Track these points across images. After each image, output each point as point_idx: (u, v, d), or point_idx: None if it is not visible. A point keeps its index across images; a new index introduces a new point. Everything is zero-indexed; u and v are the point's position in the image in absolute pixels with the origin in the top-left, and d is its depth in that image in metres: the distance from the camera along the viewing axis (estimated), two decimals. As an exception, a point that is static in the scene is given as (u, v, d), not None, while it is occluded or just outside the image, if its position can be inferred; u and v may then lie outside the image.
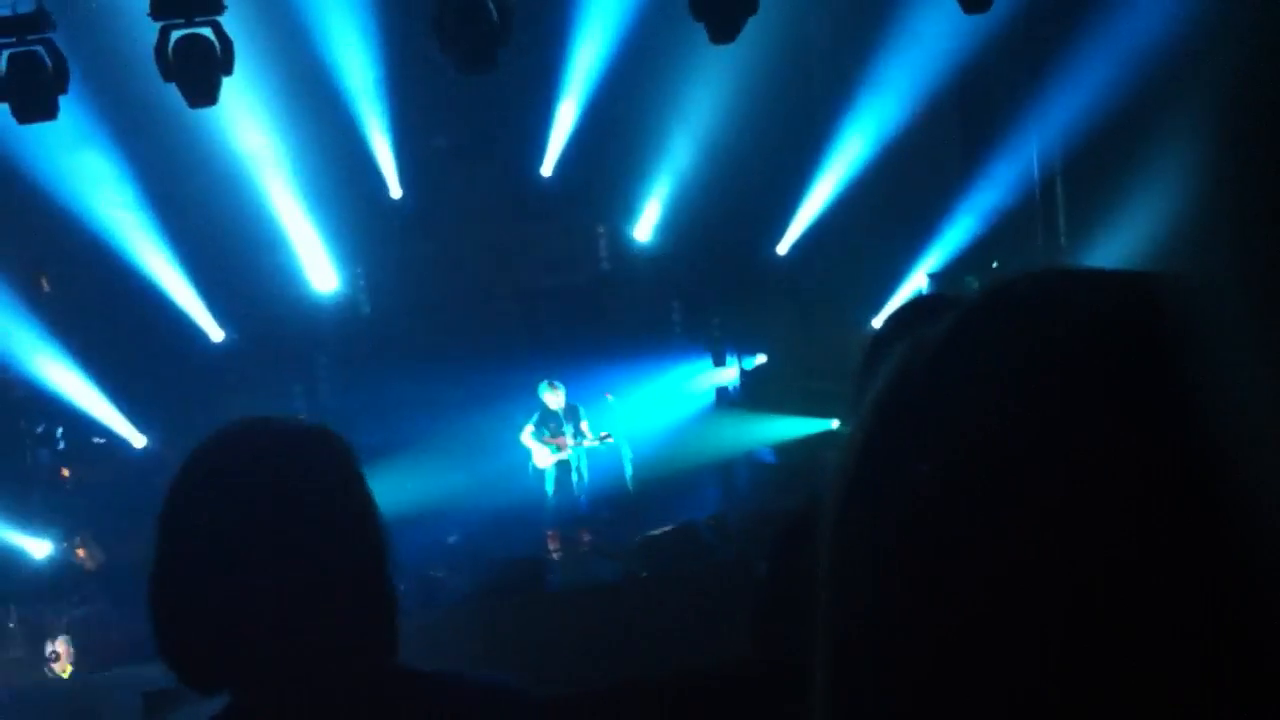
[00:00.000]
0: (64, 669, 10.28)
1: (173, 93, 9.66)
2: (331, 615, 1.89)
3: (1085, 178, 13.13)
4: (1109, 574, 0.64)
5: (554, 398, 12.15)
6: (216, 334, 14.03)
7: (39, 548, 11.95)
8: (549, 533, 12.27)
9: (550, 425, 12.02)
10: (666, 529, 11.82)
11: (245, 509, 1.87)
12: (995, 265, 13.98)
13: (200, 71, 9.50)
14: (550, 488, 12.16)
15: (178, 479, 1.92)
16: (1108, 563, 0.64)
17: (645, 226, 15.80)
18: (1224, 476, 0.58)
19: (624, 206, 15.86)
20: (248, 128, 13.02)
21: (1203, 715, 0.62)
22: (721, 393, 15.35)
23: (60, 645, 10.41)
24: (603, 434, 12.08)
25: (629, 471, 12.09)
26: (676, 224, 15.43)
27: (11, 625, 10.64)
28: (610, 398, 12.50)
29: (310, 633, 1.88)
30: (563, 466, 12.07)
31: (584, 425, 12.12)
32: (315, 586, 1.87)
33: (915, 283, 14.19)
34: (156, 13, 9.45)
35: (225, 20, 9.53)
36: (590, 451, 12.26)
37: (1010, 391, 0.69)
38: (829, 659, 0.74)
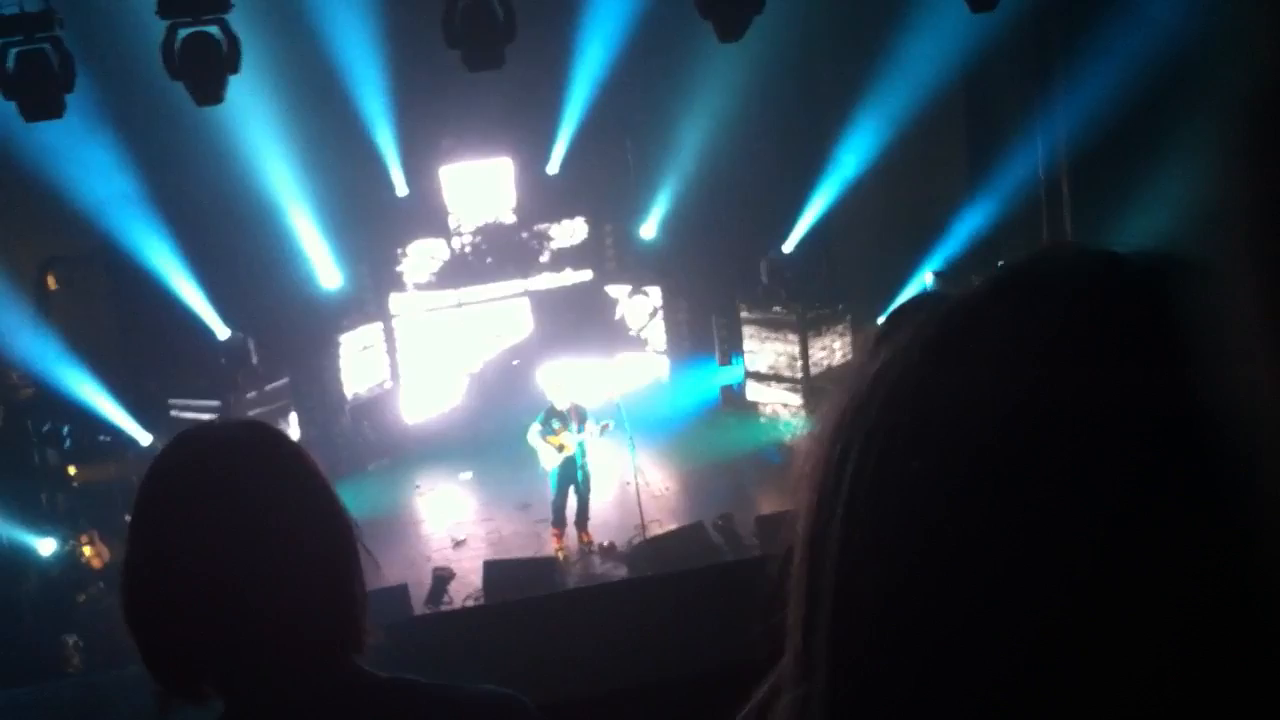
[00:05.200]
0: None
1: (180, 91, 9.67)
2: (301, 615, 1.89)
3: (1091, 177, 13.11)
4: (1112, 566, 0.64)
5: (561, 397, 12.14)
6: (223, 331, 14.04)
7: (45, 546, 11.97)
8: (554, 532, 12.28)
9: (555, 424, 12.01)
10: (672, 529, 11.83)
11: (206, 516, 1.87)
12: (1000, 265, 13.94)
13: (207, 70, 9.50)
14: (555, 488, 12.15)
15: (140, 495, 1.93)
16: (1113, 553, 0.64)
17: (651, 225, 15.80)
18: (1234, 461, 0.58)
19: (630, 205, 15.86)
20: (254, 126, 13.02)
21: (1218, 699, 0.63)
22: (727, 392, 15.34)
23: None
24: (603, 423, 12.07)
25: (634, 471, 12.08)
26: (682, 222, 15.42)
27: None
28: (616, 397, 12.48)
29: (278, 632, 1.88)
30: (567, 465, 12.05)
31: (588, 425, 12.11)
32: (282, 587, 1.87)
33: (920, 281, 14.18)
34: (164, 11, 9.46)
35: (232, 19, 9.54)
36: (595, 450, 12.26)
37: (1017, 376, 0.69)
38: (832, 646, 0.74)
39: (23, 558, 11.84)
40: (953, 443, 0.69)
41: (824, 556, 0.75)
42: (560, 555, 12.00)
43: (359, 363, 15.22)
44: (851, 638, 0.73)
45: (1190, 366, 0.61)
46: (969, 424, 0.69)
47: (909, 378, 0.74)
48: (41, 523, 12.16)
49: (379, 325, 15.45)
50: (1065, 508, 0.65)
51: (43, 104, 9.37)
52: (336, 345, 15.00)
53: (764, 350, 14.76)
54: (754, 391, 14.88)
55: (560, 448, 11.97)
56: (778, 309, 14.67)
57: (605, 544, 12.22)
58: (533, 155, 15.37)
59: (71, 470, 12.89)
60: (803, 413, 14.29)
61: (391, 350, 15.51)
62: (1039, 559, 0.66)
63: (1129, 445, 0.65)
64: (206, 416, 12.94)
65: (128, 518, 1.94)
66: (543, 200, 15.65)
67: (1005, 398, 0.68)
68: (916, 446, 0.71)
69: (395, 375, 15.48)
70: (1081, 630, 0.65)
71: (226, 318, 14.05)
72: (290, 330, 14.39)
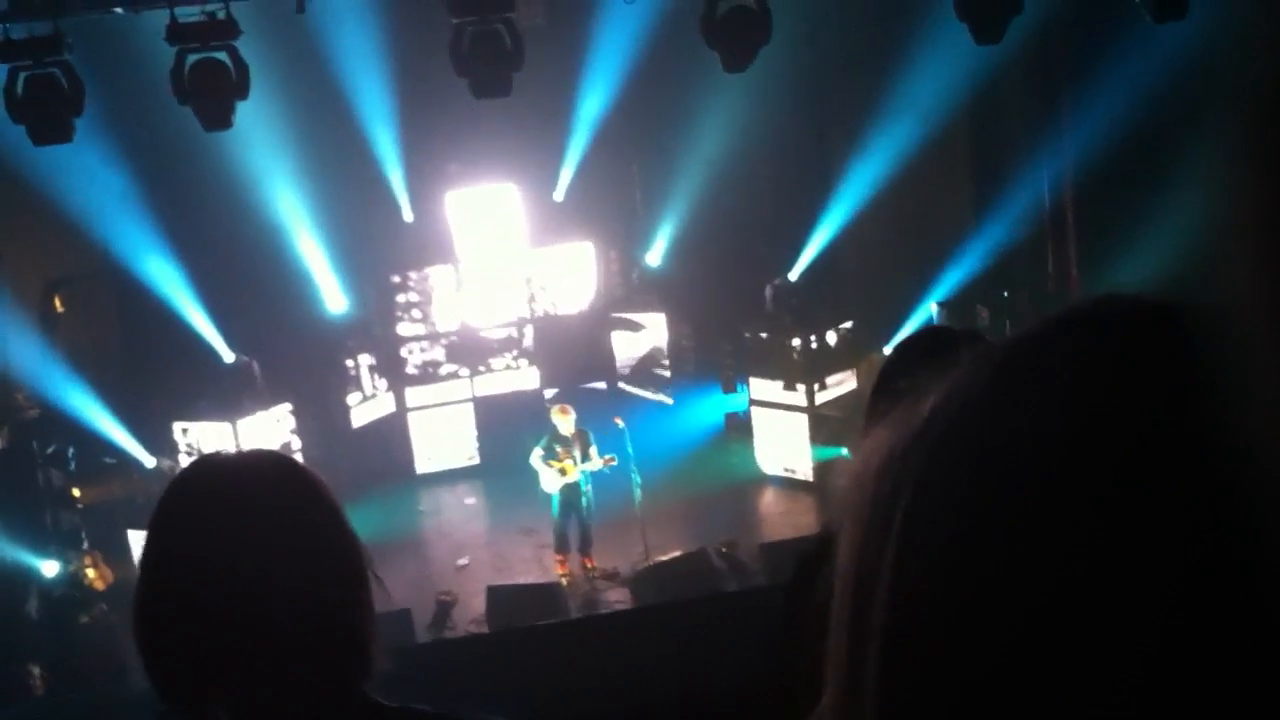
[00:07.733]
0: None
1: (188, 116, 9.71)
2: (311, 640, 1.90)
3: (1097, 206, 13.14)
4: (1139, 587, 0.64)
5: (565, 421, 12.14)
6: (228, 355, 14.05)
7: (48, 567, 11.95)
8: (557, 558, 12.26)
9: (559, 448, 12.01)
10: (676, 555, 11.80)
11: (223, 540, 1.89)
12: (1005, 295, 13.97)
13: (216, 95, 9.54)
14: (557, 512, 12.14)
15: (156, 515, 1.95)
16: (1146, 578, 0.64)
17: (657, 251, 15.82)
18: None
19: (636, 231, 15.88)
20: (261, 150, 13.06)
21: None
22: (731, 418, 15.32)
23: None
24: (607, 457, 12.06)
25: (638, 497, 12.06)
26: (688, 249, 15.44)
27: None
28: (620, 422, 12.47)
29: (289, 657, 1.89)
30: (570, 491, 12.04)
31: (592, 451, 12.10)
32: (294, 612, 1.88)
33: (925, 311, 14.18)
34: (172, 38, 9.51)
35: (241, 45, 9.59)
36: (598, 476, 12.23)
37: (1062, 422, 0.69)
38: (882, 661, 0.74)
39: (26, 579, 11.81)
40: (1015, 479, 0.69)
41: (872, 591, 0.74)
42: (564, 581, 11.98)
43: (363, 387, 15.20)
44: (903, 676, 0.72)
45: (1245, 411, 0.61)
46: (1032, 461, 0.68)
47: (968, 415, 0.73)
48: (45, 544, 12.15)
49: (383, 351, 15.43)
50: (1136, 548, 0.65)
51: (51, 128, 9.41)
52: (342, 369, 15.00)
53: (769, 377, 14.71)
54: (759, 418, 14.84)
55: (563, 471, 11.97)
56: (783, 336, 14.63)
57: (609, 570, 12.19)
58: (539, 181, 15.39)
59: (76, 491, 12.88)
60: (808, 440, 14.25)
61: (395, 379, 15.46)
62: (1112, 598, 0.65)
63: (1202, 486, 0.65)
64: (211, 439, 12.94)
65: (129, 534, 1.96)
66: (548, 226, 15.66)
67: (1069, 436, 0.68)
68: (977, 482, 0.70)
69: (401, 402, 15.45)
70: (1167, 675, 0.63)
71: (231, 341, 14.06)
72: (295, 354, 14.39)
